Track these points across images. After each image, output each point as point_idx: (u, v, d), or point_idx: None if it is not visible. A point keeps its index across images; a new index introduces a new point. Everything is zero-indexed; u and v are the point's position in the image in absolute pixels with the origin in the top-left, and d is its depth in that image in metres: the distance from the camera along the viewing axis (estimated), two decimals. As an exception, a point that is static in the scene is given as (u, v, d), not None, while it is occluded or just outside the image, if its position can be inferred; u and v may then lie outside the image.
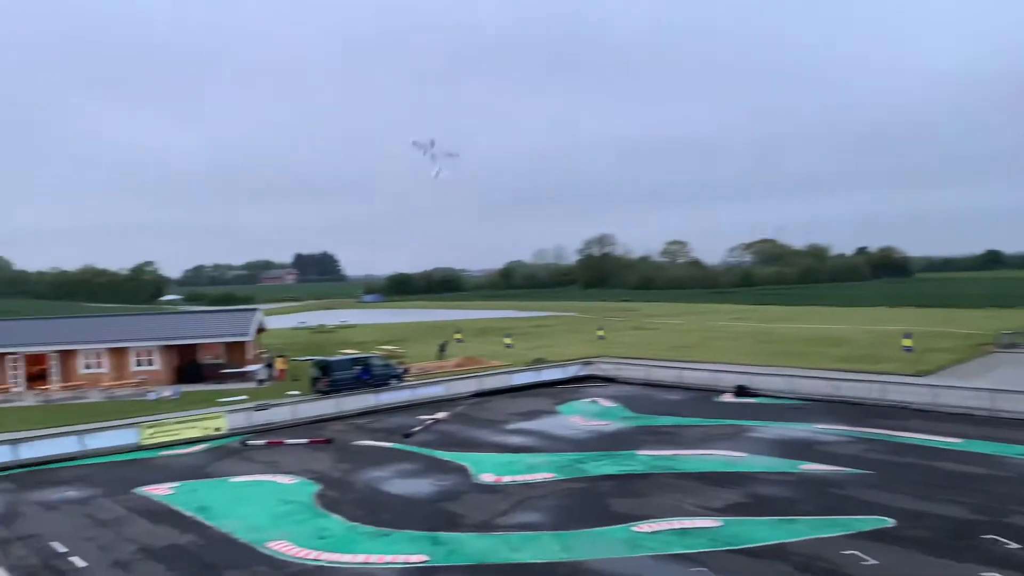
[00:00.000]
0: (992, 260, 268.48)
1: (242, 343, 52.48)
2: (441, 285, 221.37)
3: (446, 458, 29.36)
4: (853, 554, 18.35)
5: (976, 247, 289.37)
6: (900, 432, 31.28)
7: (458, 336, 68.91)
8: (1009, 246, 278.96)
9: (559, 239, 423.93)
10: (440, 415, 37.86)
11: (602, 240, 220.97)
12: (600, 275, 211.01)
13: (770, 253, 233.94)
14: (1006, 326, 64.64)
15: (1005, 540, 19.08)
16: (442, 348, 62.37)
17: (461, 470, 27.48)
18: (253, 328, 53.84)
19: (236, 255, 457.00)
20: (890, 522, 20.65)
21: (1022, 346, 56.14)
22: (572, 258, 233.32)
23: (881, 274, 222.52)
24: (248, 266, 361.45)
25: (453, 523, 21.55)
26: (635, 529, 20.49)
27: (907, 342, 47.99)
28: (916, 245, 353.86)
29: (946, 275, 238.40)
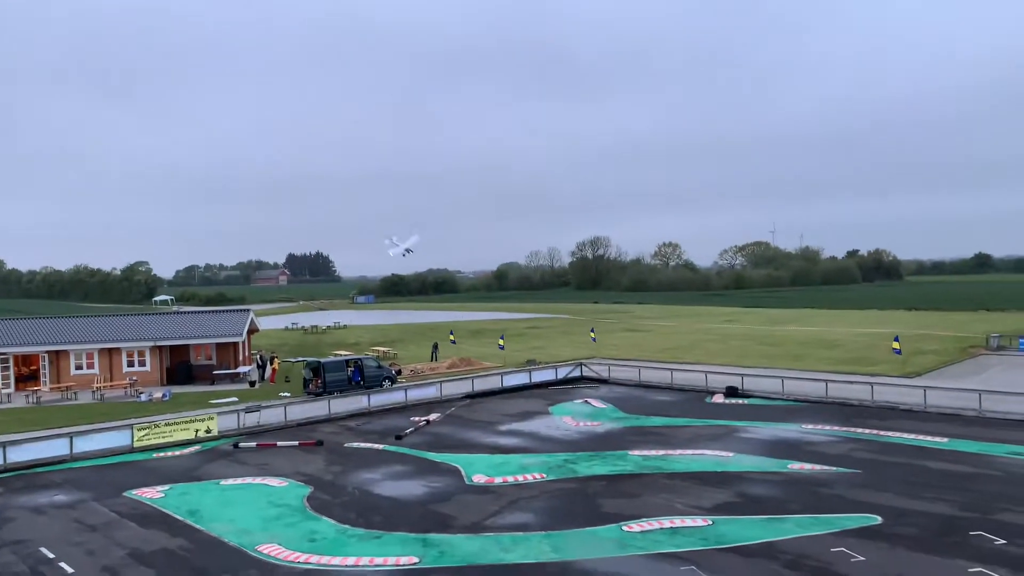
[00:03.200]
0: (982, 264, 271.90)
1: (233, 344, 52.39)
2: (435, 287, 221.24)
3: (438, 460, 29.39)
4: (841, 551, 18.48)
5: (966, 251, 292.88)
6: (889, 432, 31.49)
7: (451, 337, 68.92)
8: (998, 250, 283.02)
9: (553, 241, 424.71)
10: (432, 417, 37.89)
11: (595, 242, 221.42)
12: (593, 277, 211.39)
13: (762, 256, 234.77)
14: (995, 329, 65.16)
15: (993, 537, 19.25)
16: (435, 349, 62.42)
17: (453, 471, 27.53)
18: (244, 328, 53.75)
19: (229, 255, 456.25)
20: (878, 520, 20.80)
21: (1010, 348, 56.58)
22: (565, 260, 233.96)
23: (872, 277, 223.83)
24: (240, 266, 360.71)
25: (444, 525, 21.59)
26: (625, 528, 20.59)
27: (896, 344, 48.28)
28: (907, 249, 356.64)
29: (936, 278, 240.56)
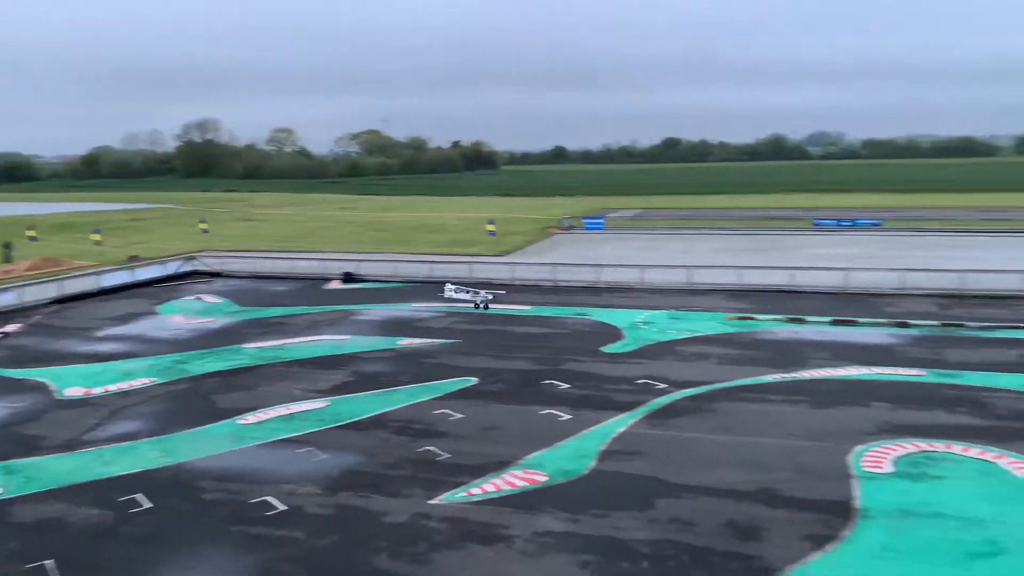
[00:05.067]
0: (559, 155, 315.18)
1: None
2: (4, 174, 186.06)
3: (20, 376, 25.84)
4: (443, 412, 20.81)
5: (547, 144, 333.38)
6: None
7: (31, 234, 59.57)
8: (572, 143, 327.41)
9: (155, 123, 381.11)
10: (10, 328, 32.90)
11: (204, 125, 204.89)
12: (203, 164, 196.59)
13: (375, 144, 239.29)
14: (567, 212, 75.87)
15: (559, 382, 23.25)
16: (7, 249, 53.39)
17: (40, 387, 24.46)
18: None
19: None
20: (474, 381, 23.72)
21: (577, 228, 66.77)
22: (170, 145, 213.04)
23: (473, 166, 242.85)
24: None
25: (32, 447, 19.30)
26: (241, 422, 20.57)
27: (490, 227, 53.87)
28: (501, 141, 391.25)
29: (524, 168, 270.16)
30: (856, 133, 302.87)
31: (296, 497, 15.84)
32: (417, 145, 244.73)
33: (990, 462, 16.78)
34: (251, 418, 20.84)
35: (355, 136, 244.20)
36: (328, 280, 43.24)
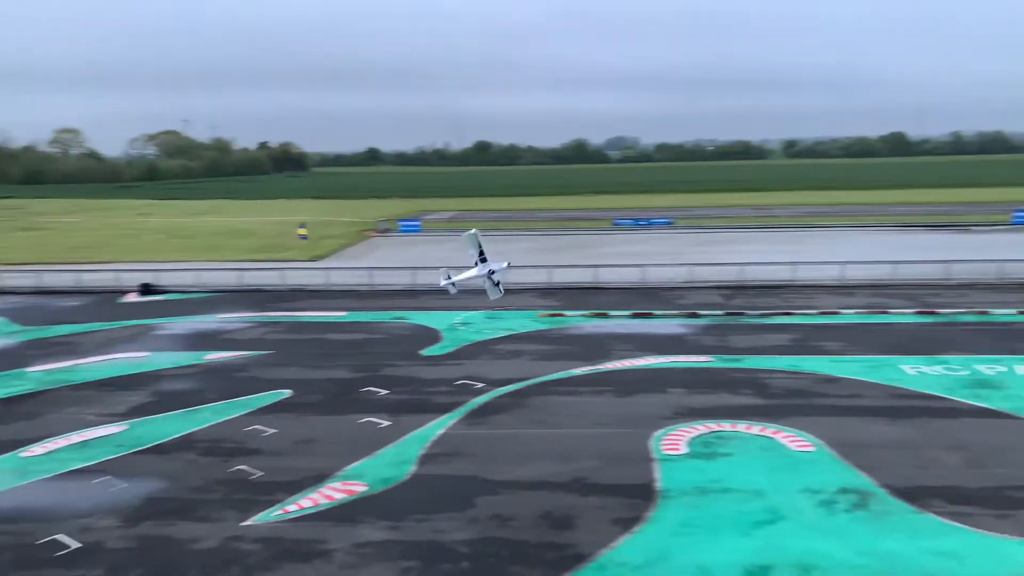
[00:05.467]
0: (372, 157, 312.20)
1: None
2: None
3: None
4: (255, 428, 20.04)
5: (359, 145, 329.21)
6: (298, 312, 34.52)
7: None
8: (385, 145, 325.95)
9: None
10: None
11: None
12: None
13: (175, 146, 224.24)
14: (382, 214, 75.42)
15: (378, 389, 23.13)
16: None
17: None
18: None
19: None
20: (288, 393, 23.02)
21: (393, 231, 66.62)
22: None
23: (282, 168, 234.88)
24: None
25: None
26: (24, 455, 18.65)
27: (302, 231, 52.42)
28: (312, 142, 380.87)
29: (337, 170, 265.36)
30: (649, 138, 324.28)
31: (92, 532, 14.65)
32: (221, 147, 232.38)
33: (769, 437, 18.74)
34: (37, 449, 18.95)
35: (152, 137, 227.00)
36: (124, 293, 40.09)
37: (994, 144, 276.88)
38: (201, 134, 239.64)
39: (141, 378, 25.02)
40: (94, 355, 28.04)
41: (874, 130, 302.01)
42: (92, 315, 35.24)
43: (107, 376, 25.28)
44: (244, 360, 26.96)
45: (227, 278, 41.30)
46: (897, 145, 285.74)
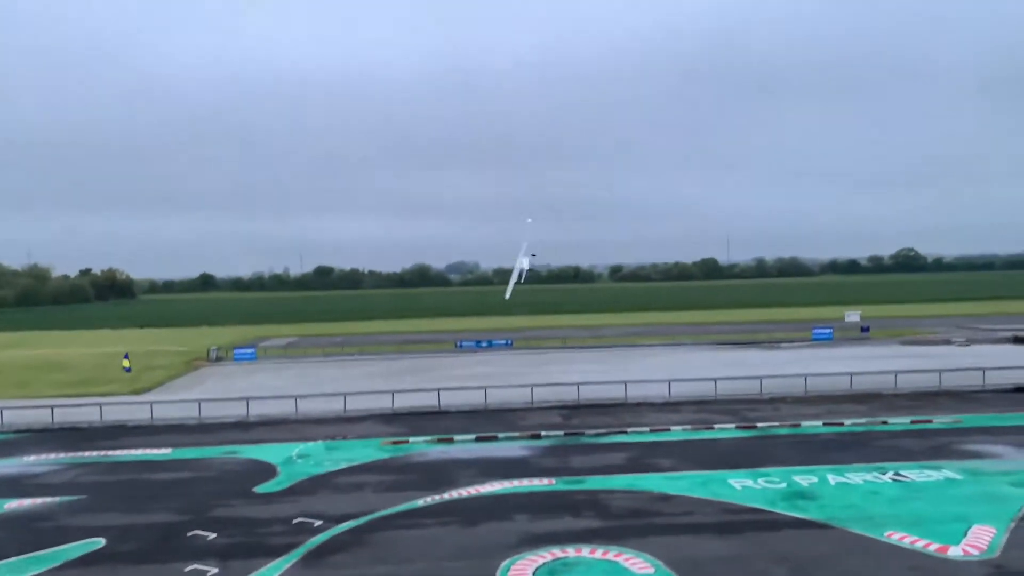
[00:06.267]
0: (206, 283, 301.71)
1: None
2: None
3: None
4: (58, 586, 17.92)
5: (192, 271, 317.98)
6: (116, 451, 31.78)
7: None
8: (220, 271, 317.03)
9: None
10: None
11: None
12: None
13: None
14: (215, 342, 72.11)
15: (205, 532, 21.45)
16: None
17: None
18: None
19: None
20: (102, 542, 20.86)
21: (227, 359, 63.67)
22: None
23: (107, 296, 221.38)
24: None
25: None
26: None
27: (126, 363, 48.98)
28: (140, 268, 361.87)
29: (167, 296, 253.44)
30: (488, 262, 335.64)
31: None
32: (37, 274, 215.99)
33: (612, 560, 19.04)
34: None
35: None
36: (-95, 437, 35.35)
37: (791, 268, 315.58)
38: (14, 260, 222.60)
39: (-79, 535, 21.86)
40: None
41: (689, 256, 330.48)
42: None
43: None
44: (51, 507, 24.28)
45: (36, 416, 37.58)
46: (711, 270, 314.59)
